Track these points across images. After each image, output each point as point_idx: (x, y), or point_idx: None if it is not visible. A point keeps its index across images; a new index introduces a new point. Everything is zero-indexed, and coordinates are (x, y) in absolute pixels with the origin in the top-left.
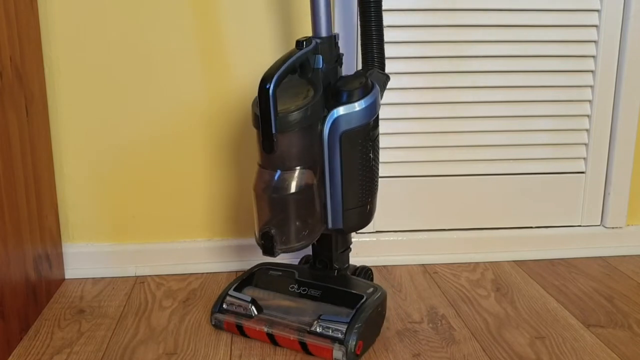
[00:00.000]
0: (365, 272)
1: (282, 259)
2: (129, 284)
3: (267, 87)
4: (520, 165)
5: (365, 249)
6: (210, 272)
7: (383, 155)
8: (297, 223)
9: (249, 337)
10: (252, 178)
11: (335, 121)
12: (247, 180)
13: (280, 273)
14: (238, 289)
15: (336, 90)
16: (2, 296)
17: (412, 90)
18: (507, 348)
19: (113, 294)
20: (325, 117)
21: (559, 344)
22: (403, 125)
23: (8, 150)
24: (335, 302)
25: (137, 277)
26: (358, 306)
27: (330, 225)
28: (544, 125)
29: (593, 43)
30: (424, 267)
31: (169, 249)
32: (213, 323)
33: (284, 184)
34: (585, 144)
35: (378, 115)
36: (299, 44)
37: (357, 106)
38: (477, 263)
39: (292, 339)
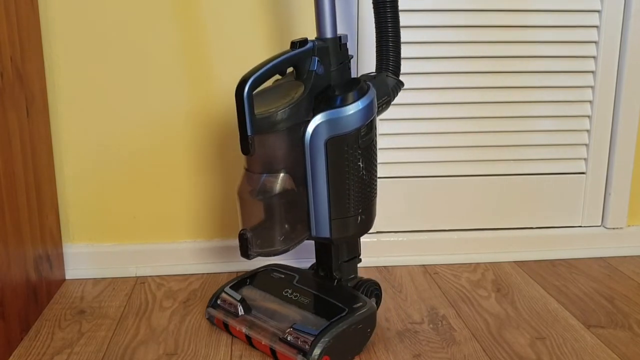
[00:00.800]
0: (368, 287)
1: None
2: (130, 285)
3: (242, 88)
4: (520, 165)
5: (365, 250)
6: (211, 273)
7: (383, 156)
8: (273, 227)
9: (235, 336)
10: None
11: (318, 126)
12: None
13: (283, 276)
14: (235, 287)
15: (324, 94)
16: (3, 296)
17: (412, 90)
18: (508, 348)
19: (113, 295)
20: (309, 121)
21: (559, 345)
22: (403, 125)
23: (8, 150)
24: (317, 312)
25: (137, 277)
26: (334, 319)
27: (314, 234)
28: (544, 126)
29: (593, 44)
30: (425, 268)
31: (169, 249)
32: (207, 317)
33: (263, 187)
34: (586, 145)
35: (372, 123)
36: (293, 45)
37: (343, 112)
38: (477, 263)
39: (264, 343)
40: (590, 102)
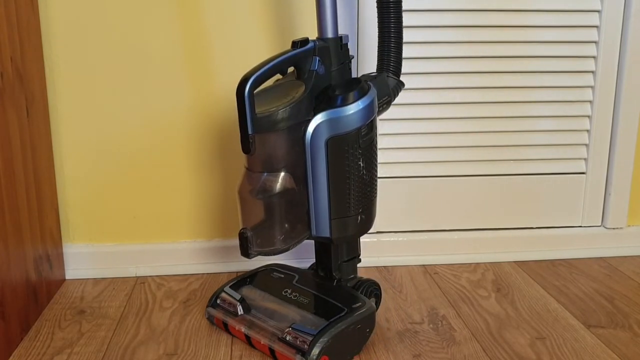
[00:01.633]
0: (368, 287)
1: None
2: (130, 285)
3: (243, 87)
4: (520, 165)
5: (366, 250)
6: (211, 273)
7: (383, 156)
8: (273, 227)
9: (234, 336)
10: None
11: (319, 126)
12: None
13: (283, 276)
14: (235, 286)
15: (325, 94)
16: (3, 297)
17: (412, 90)
18: (508, 349)
19: (113, 295)
20: (309, 120)
21: (559, 345)
22: (403, 125)
23: (9, 150)
24: (317, 311)
25: (137, 277)
26: (333, 319)
27: (314, 233)
28: (544, 126)
29: (593, 44)
30: (425, 268)
31: (169, 249)
32: (206, 316)
33: (263, 186)
34: (586, 145)
35: (372, 123)
36: (294, 44)
37: (344, 112)
38: (477, 263)
39: (263, 343)
40: (590, 102)
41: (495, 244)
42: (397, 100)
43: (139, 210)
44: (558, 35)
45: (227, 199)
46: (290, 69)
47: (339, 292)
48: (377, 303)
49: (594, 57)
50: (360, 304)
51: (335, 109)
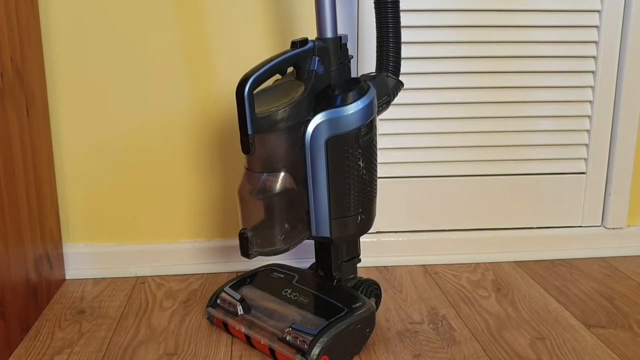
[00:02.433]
0: (368, 287)
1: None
2: (130, 285)
3: (243, 87)
4: (520, 165)
5: (365, 250)
6: (211, 273)
7: (383, 156)
8: (273, 227)
9: (234, 336)
10: None
11: (318, 126)
12: None
13: (283, 276)
14: (235, 286)
15: (324, 94)
16: (3, 296)
17: (412, 90)
18: (508, 349)
19: (113, 295)
20: (309, 121)
21: (559, 345)
22: (403, 125)
23: (8, 150)
24: (317, 311)
25: (137, 277)
26: (333, 319)
27: (314, 233)
28: (544, 126)
29: (593, 44)
30: (425, 268)
31: (169, 249)
32: (206, 316)
33: (263, 186)
34: (586, 145)
35: (372, 122)
36: (294, 44)
37: (343, 112)
38: (477, 263)
39: (263, 343)
40: (590, 102)
41: (495, 244)
42: (396, 100)
43: (139, 211)
44: (558, 35)
45: (227, 199)
46: (290, 69)
47: (339, 292)
48: (377, 303)
49: (594, 57)
50: (360, 304)
51: (335, 109)
